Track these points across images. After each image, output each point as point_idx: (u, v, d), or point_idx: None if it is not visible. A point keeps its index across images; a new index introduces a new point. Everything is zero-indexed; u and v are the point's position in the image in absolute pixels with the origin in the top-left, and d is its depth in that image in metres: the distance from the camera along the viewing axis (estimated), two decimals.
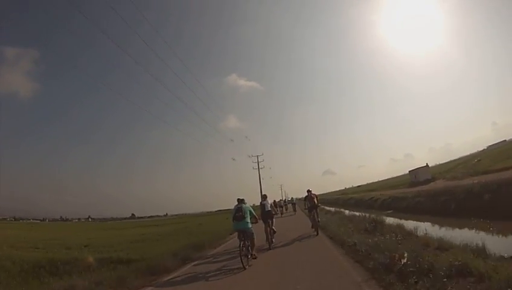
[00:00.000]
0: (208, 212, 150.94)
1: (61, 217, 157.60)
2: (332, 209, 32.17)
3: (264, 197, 13.00)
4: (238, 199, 9.90)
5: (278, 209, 32.27)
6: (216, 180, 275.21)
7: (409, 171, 47.93)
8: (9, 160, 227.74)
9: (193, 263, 10.22)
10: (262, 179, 76.83)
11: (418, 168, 44.49)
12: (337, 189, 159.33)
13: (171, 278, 8.21)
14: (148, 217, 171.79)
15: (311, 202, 14.09)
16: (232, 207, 9.96)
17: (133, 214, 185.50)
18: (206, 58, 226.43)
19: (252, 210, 9.77)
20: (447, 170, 46.96)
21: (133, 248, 18.01)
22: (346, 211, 25.53)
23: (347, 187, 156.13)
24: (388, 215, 26.06)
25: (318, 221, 13.71)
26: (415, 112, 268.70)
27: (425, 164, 44.41)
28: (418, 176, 42.27)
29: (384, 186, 56.77)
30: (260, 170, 48.58)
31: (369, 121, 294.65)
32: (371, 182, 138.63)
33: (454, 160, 75.34)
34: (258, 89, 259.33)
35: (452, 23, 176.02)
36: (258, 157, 48.99)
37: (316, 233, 13.21)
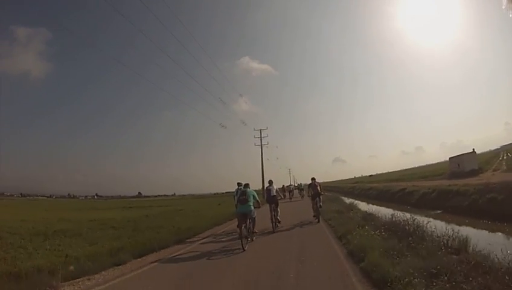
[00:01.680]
0: (214, 193, 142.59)
1: (68, 194, 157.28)
2: (372, 207, 21.15)
3: (270, 182, 13.03)
4: (238, 183, 10.76)
5: (288, 193, 33.25)
6: (225, 162, 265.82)
7: (450, 159, 37.35)
8: (21, 140, 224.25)
9: (199, 242, 10.46)
10: (267, 159, 68.51)
11: (462, 155, 33.75)
12: (347, 178, 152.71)
13: (177, 255, 8.36)
14: (155, 196, 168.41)
15: (314, 190, 14.09)
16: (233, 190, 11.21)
17: (139, 193, 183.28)
18: (219, 41, 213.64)
19: (256, 195, 9.92)
20: (484, 162, 37.55)
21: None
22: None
23: (357, 176, 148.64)
24: (438, 217, 17.07)
25: (320, 207, 13.69)
26: (429, 105, 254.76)
27: (471, 150, 33.99)
28: (463, 165, 31.87)
29: (409, 176, 46.67)
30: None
31: (382, 112, 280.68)
32: (380, 172, 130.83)
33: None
34: (272, 73, 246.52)
35: (469, 16, 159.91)
36: (261, 132, 39.39)
37: (317, 220, 13.23)
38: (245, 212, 9.35)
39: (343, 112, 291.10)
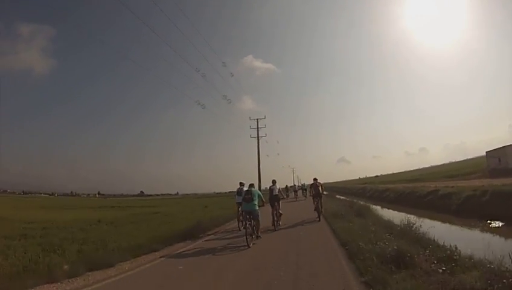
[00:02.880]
0: (217, 193, 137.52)
1: (71, 192, 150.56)
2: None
3: (273, 182, 12.86)
4: (240, 183, 11.64)
5: (294, 193, 33.97)
6: (229, 162, 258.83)
7: (487, 153, 30.43)
8: (25, 137, 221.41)
9: (204, 239, 10.38)
10: (267, 155, 62.25)
11: (504, 147, 26.26)
12: (351, 178, 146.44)
13: (183, 251, 8.35)
14: (157, 195, 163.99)
15: (316, 190, 14.01)
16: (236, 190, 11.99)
17: (141, 191, 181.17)
18: (223, 40, 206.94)
19: (261, 194, 10.15)
20: None
21: None
22: None
23: (361, 177, 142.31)
24: None
25: (321, 208, 13.66)
26: (433, 106, 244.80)
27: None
28: (506, 160, 24.96)
29: (429, 176, 39.89)
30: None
31: (386, 113, 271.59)
32: (385, 173, 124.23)
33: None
34: (275, 72, 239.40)
35: (474, 16, 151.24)
36: (257, 121, 32.87)
37: (318, 219, 13.15)
38: (250, 210, 9.44)
39: (348, 111, 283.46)
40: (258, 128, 32.43)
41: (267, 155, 58.90)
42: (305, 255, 6.98)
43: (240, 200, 10.51)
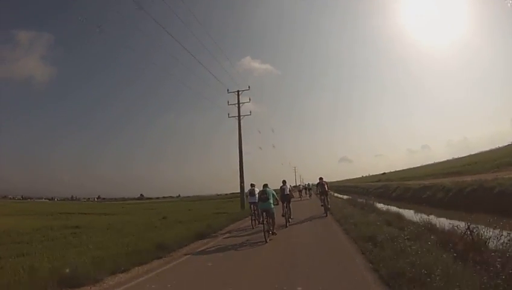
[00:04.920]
0: (218, 195, 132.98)
1: (72, 196, 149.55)
2: None
3: (283, 182, 13.24)
4: (251, 184, 12.75)
5: (298, 193, 34.91)
6: (227, 164, 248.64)
7: None
8: (27, 144, 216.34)
9: (223, 236, 10.72)
10: (260, 148, 52.72)
11: None
12: (354, 177, 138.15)
13: (207, 248, 8.61)
14: (157, 198, 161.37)
15: (322, 188, 14.54)
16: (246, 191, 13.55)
17: (141, 195, 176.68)
18: (219, 41, 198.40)
19: (275, 193, 10.27)
20: None
21: None
22: None
23: (364, 175, 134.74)
24: None
25: (328, 204, 14.15)
26: (433, 102, 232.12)
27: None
28: None
29: (466, 168, 30.89)
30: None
31: (387, 110, 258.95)
32: (388, 171, 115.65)
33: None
34: (274, 73, 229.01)
35: (476, 14, 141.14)
36: (238, 94, 23.22)
37: (325, 215, 13.68)
38: (266, 208, 9.64)
39: (349, 109, 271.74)
40: (239, 103, 22.69)
41: (260, 148, 50.28)
42: (316, 243, 8.30)
43: (253, 201, 12.07)
